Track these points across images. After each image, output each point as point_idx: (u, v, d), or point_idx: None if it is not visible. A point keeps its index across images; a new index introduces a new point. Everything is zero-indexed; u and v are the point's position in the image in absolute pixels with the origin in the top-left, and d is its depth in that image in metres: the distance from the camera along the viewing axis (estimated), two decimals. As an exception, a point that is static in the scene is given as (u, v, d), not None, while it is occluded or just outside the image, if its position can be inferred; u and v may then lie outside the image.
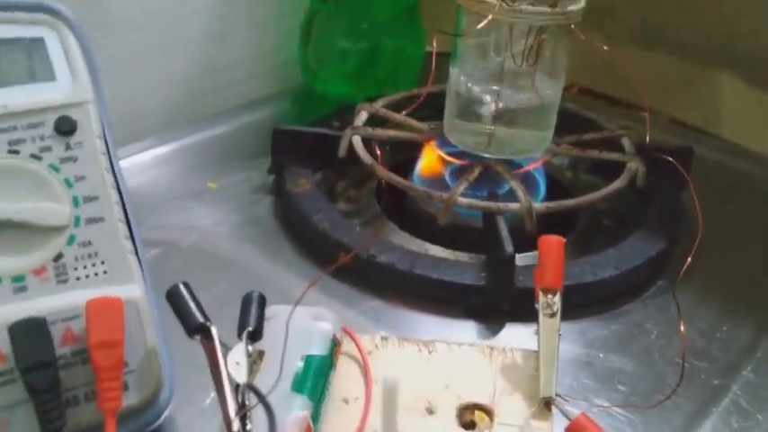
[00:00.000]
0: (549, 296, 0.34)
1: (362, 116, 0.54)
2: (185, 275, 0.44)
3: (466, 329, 0.42)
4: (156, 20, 0.58)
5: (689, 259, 0.39)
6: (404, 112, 0.54)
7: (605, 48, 0.43)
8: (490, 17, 0.42)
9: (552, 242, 0.34)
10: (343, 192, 0.56)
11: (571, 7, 0.43)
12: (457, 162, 0.51)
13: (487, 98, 0.48)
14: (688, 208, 0.49)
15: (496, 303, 0.42)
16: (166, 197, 0.52)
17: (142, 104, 0.60)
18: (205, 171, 0.55)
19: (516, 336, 0.41)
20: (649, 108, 0.71)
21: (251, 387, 0.28)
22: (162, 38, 0.59)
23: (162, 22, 0.59)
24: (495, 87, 0.47)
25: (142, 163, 0.56)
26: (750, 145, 0.63)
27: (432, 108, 0.56)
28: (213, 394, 0.35)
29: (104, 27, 0.56)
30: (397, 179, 0.48)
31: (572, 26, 0.43)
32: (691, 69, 0.66)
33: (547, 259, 0.34)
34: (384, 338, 0.37)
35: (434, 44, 0.41)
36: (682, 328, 0.37)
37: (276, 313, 0.34)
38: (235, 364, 0.30)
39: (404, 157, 0.57)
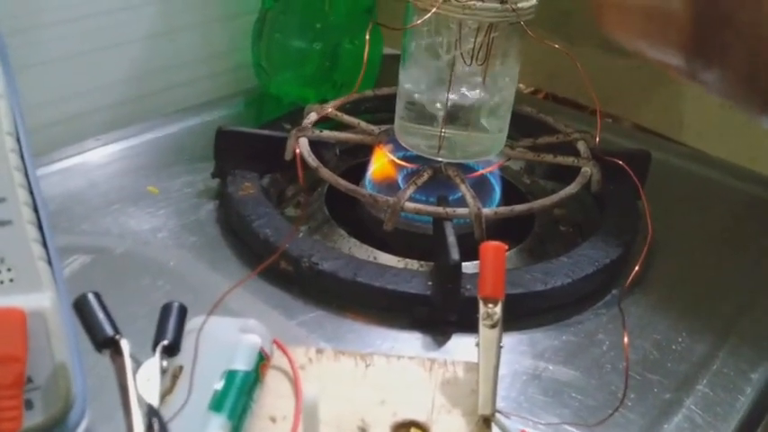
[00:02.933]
0: (490, 306, 0.32)
1: (311, 118, 0.52)
2: (116, 283, 0.42)
3: (411, 341, 0.40)
4: (97, 16, 0.56)
5: (636, 267, 0.37)
6: (334, 112, 0.52)
7: (556, 46, 0.42)
8: (434, 10, 0.40)
9: (493, 249, 0.32)
10: (293, 196, 0.54)
11: (522, 4, 0.42)
12: (407, 165, 0.49)
13: (438, 100, 0.46)
14: (645, 215, 0.48)
15: (443, 313, 0.40)
16: (104, 201, 0.49)
17: (83, 103, 0.58)
18: (147, 174, 0.53)
19: (463, 347, 0.39)
20: (612, 113, 0.70)
21: (152, 410, 0.25)
22: (103, 35, 0.57)
23: (103, 19, 0.56)
24: (445, 89, 0.45)
25: (81, 165, 0.53)
26: (712, 151, 0.62)
27: (388, 110, 0.54)
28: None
29: (42, 23, 0.53)
30: (342, 183, 0.46)
31: (522, 24, 0.41)
32: (653, 73, 0.65)
33: (487, 267, 0.32)
34: (319, 351, 0.35)
35: (367, 38, 0.39)
36: (625, 339, 0.35)
37: (199, 325, 0.31)
38: (145, 381, 0.27)
39: (358, 160, 0.55)
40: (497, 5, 0.41)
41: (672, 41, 0.19)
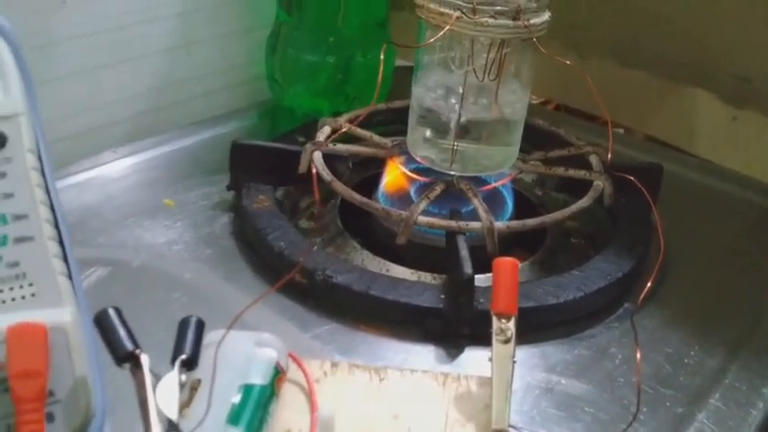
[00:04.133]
0: (504, 321, 0.32)
1: (325, 131, 0.53)
2: (133, 296, 0.43)
3: (424, 354, 0.40)
4: (113, 31, 0.57)
5: (649, 284, 0.37)
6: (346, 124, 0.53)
7: (567, 62, 0.42)
8: (447, 28, 0.40)
9: (506, 265, 0.32)
10: (307, 208, 0.54)
11: (534, 20, 0.42)
12: (420, 179, 0.50)
13: (450, 114, 0.46)
14: (658, 230, 0.48)
15: (455, 326, 0.40)
16: (120, 214, 0.50)
17: (103, 116, 0.59)
18: (163, 187, 0.53)
19: (476, 360, 0.40)
20: (624, 125, 0.70)
21: (172, 424, 0.26)
22: (120, 50, 0.58)
23: (119, 33, 0.57)
24: (458, 103, 0.45)
25: (98, 177, 0.54)
26: (724, 162, 0.62)
27: (401, 122, 0.55)
28: (151, 424, 0.34)
29: (59, 38, 0.54)
30: (356, 197, 0.46)
31: (534, 40, 0.42)
32: (665, 86, 0.66)
33: (501, 283, 0.32)
34: (334, 365, 0.35)
35: (381, 57, 0.39)
36: (638, 354, 0.35)
37: (217, 339, 0.32)
38: (164, 395, 0.28)
39: (371, 173, 0.56)
40: (509, 22, 0.42)
41: None
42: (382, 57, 0.41)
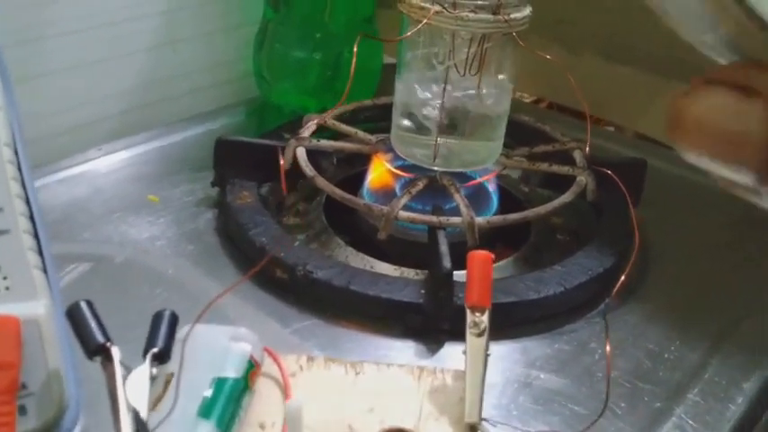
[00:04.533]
0: (477, 314, 0.32)
1: (310, 127, 0.53)
2: (115, 291, 0.43)
3: (404, 349, 0.40)
4: (100, 28, 0.57)
5: (622, 278, 0.37)
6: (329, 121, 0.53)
7: (548, 57, 0.42)
8: (424, 21, 0.40)
9: (480, 258, 0.32)
10: (292, 205, 0.54)
11: (515, 15, 0.42)
12: (404, 175, 0.50)
13: (433, 110, 0.46)
14: (634, 225, 0.48)
15: (435, 321, 0.40)
16: (105, 210, 0.50)
17: (87, 113, 0.59)
18: (148, 183, 0.53)
19: (456, 355, 0.39)
20: (614, 122, 0.70)
21: (136, 414, 0.26)
22: (107, 46, 0.58)
23: (106, 30, 0.57)
24: (440, 99, 0.45)
25: (83, 174, 0.54)
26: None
27: (387, 119, 0.55)
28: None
29: (47, 34, 0.54)
30: (338, 192, 0.46)
31: (514, 34, 0.42)
32: (655, 83, 0.65)
33: (474, 276, 0.32)
34: (310, 359, 0.35)
35: (355, 48, 0.39)
36: (608, 347, 0.35)
37: (192, 333, 0.32)
38: (135, 387, 0.28)
39: (356, 169, 0.56)
40: (490, 17, 0.42)
41: (746, 163, 0.20)
42: (355, 49, 0.40)
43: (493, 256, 0.33)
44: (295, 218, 0.53)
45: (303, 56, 0.61)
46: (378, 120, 0.59)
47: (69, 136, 0.58)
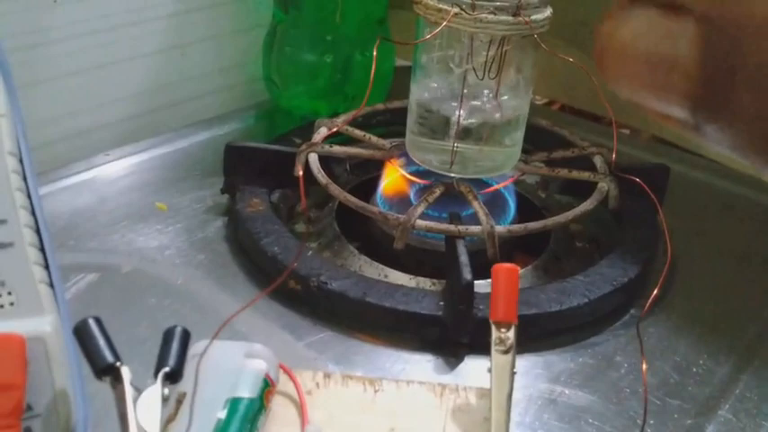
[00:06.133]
0: (503, 330, 0.31)
1: (322, 132, 0.51)
2: (123, 303, 0.42)
3: (422, 363, 0.39)
4: (107, 32, 0.56)
5: (655, 291, 0.35)
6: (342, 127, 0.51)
7: (571, 60, 0.41)
8: (444, 24, 0.39)
9: (505, 271, 0.31)
10: (304, 212, 0.53)
11: (535, 16, 0.41)
12: (419, 181, 0.48)
13: (449, 114, 0.45)
14: (664, 233, 0.46)
15: (454, 335, 0.39)
16: (112, 218, 0.49)
17: (92, 119, 0.57)
18: (155, 190, 0.52)
19: (476, 370, 0.38)
20: (630, 125, 0.69)
21: (149, 440, 0.25)
22: (113, 50, 0.57)
23: (113, 34, 0.56)
24: (457, 103, 0.44)
25: (89, 181, 0.53)
26: (732, 163, 0.60)
27: (399, 124, 0.53)
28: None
29: (52, 39, 0.53)
30: (352, 200, 0.45)
31: (535, 36, 0.40)
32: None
33: (499, 290, 0.31)
34: (327, 376, 0.34)
35: (374, 51, 0.38)
36: (644, 366, 0.34)
37: (202, 350, 0.31)
38: (146, 409, 0.27)
39: (369, 175, 0.55)
40: (510, 18, 0.40)
41: (677, 91, 0.17)
42: (375, 53, 0.39)
43: (519, 269, 0.31)
44: (306, 225, 0.52)
45: (314, 59, 0.60)
46: (389, 124, 0.58)
47: (75, 141, 0.56)
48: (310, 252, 0.44)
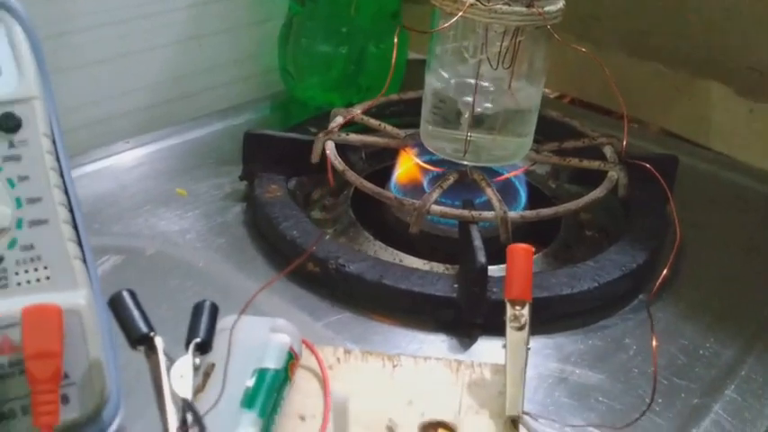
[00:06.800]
0: (518, 308, 0.32)
1: (338, 121, 0.52)
2: (147, 283, 0.43)
3: (436, 343, 0.40)
4: (127, 22, 0.57)
5: (665, 271, 0.37)
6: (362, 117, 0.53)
7: (583, 50, 0.42)
8: (460, 14, 0.40)
9: (520, 251, 0.32)
10: (320, 199, 0.54)
11: (549, 8, 0.42)
12: (432, 169, 0.50)
13: (463, 104, 0.46)
14: (673, 219, 0.48)
15: (469, 316, 0.40)
16: (134, 203, 0.50)
17: (113, 107, 0.59)
18: (175, 177, 0.53)
19: (489, 350, 0.40)
20: (639, 118, 0.70)
21: (187, 403, 0.26)
22: (134, 39, 0.58)
23: (133, 24, 0.57)
24: (470, 93, 0.45)
25: (111, 167, 0.54)
26: (739, 156, 0.62)
27: (413, 114, 0.55)
28: (165, 409, 0.34)
29: (75, 27, 0.54)
30: (368, 186, 0.46)
31: (549, 27, 0.42)
32: (680, 79, 0.65)
33: (514, 269, 0.32)
34: (347, 352, 0.35)
35: (395, 41, 0.39)
36: (654, 342, 0.35)
37: (230, 324, 0.32)
38: (179, 377, 0.28)
39: (384, 164, 0.56)
40: (524, 9, 0.41)
41: None
42: (396, 41, 0.40)
43: (533, 249, 0.32)
44: (322, 212, 0.53)
45: (329, 50, 0.61)
46: (403, 114, 0.59)
47: (95, 129, 0.58)
48: (328, 236, 0.46)
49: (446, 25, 0.41)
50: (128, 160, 0.56)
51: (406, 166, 0.52)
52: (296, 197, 0.51)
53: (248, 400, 0.29)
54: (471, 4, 0.41)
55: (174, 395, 0.27)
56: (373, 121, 0.53)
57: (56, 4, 0.53)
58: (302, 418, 0.31)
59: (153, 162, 0.56)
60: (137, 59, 0.59)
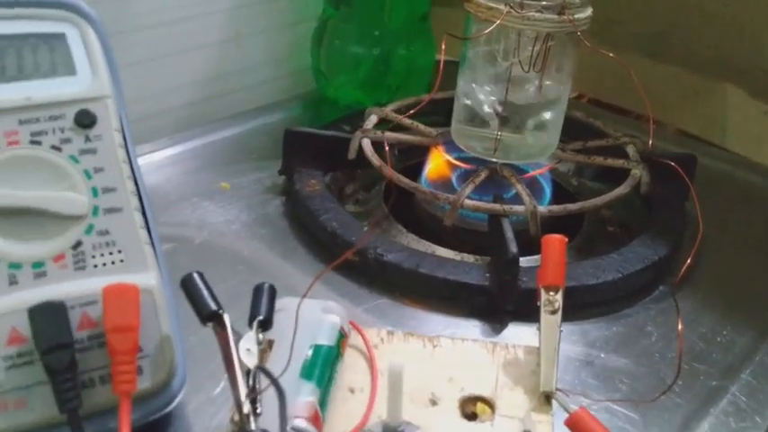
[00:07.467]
0: (551, 293, 0.35)
1: (372, 120, 0.55)
2: (198, 269, 0.46)
3: (470, 328, 0.43)
4: (173, 23, 0.60)
5: (689, 260, 0.39)
6: (404, 116, 0.55)
7: (611, 55, 0.44)
8: (498, 22, 0.43)
9: (555, 241, 0.35)
10: (353, 194, 0.57)
11: (578, 15, 0.44)
12: (463, 166, 0.52)
13: (494, 104, 0.49)
14: (692, 215, 0.50)
15: (500, 303, 0.43)
16: (181, 195, 0.53)
17: (159, 104, 0.62)
18: (218, 171, 0.56)
19: (519, 335, 0.42)
20: (656, 119, 0.72)
21: (262, 369, 0.29)
22: (178, 40, 0.61)
23: (178, 25, 0.60)
24: (501, 94, 0.48)
25: (158, 161, 0.57)
26: (754, 156, 0.64)
27: (440, 114, 0.58)
28: (223, 383, 0.37)
29: (125, 28, 0.57)
30: (405, 180, 0.49)
31: (578, 34, 0.44)
32: (697, 80, 0.67)
33: (549, 257, 0.35)
34: (390, 333, 0.38)
35: (443, 47, 0.42)
36: (679, 326, 0.38)
37: (286, 305, 0.35)
38: (246, 350, 0.31)
39: (412, 161, 0.59)
40: (555, 16, 0.44)
41: None
42: (444, 46, 0.43)
43: (566, 239, 0.35)
44: (355, 206, 0.56)
45: (360, 52, 0.64)
46: (432, 114, 0.61)
47: (142, 125, 0.60)
48: (365, 228, 0.48)
49: (486, 31, 0.44)
50: (171, 155, 0.59)
51: (436, 163, 0.55)
52: (331, 191, 0.54)
53: (307, 372, 0.32)
54: (507, 12, 0.43)
55: (242, 366, 0.30)
56: (406, 120, 0.56)
57: (108, 6, 0.56)
58: (351, 391, 0.34)
59: (194, 157, 0.59)
60: (180, 59, 0.62)
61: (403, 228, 0.51)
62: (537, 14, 0.44)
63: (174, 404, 0.34)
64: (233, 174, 0.56)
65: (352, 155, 0.53)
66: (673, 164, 0.46)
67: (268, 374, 0.29)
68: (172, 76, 0.62)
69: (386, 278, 0.45)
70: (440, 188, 0.52)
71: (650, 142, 0.49)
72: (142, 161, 0.57)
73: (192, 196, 0.53)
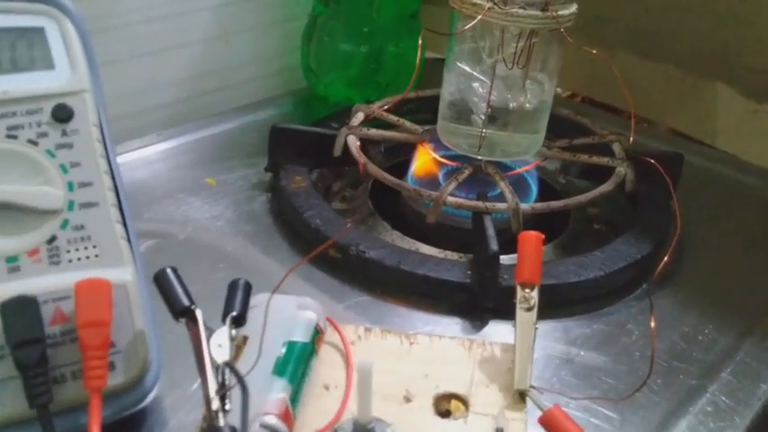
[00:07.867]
0: (527, 290, 0.35)
1: (359, 117, 0.55)
2: (180, 265, 0.45)
3: (450, 325, 0.43)
4: (160, 19, 0.60)
5: (665, 258, 0.39)
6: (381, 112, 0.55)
7: (594, 51, 0.44)
8: (479, 17, 0.42)
9: (531, 237, 0.35)
10: (340, 191, 0.57)
11: (562, 11, 0.44)
12: (449, 163, 0.52)
13: (479, 102, 0.49)
14: (675, 212, 0.50)
15: (481, 300, 0.43)
16: (166, 191, 0.53)
17: (145, 100, 0.62)
18: (204, 168, 0.56)
19: (499, 332, 0.42)
20: (647, 117, 0.72)
21: (229, 365, 0.29)
22: (165, 36, 0.61)
23: (168, 21, 0.60)
24: (486, 91, 0.48)
25: (144, 158, 0.57)
26: (745, 155, 0.64)
27: (428, 111, 0.57)
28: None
29: (111, 23, 0.57)
30: (389, 178, 0.49)
31: (562, 30, 0.44)
32: (688, 80, 0.67)
33: (525, 254, 0.35)
34: (367, 330, 0.38)
35: (420, 42, 0.42)
36: (652, 323, 0.38)
37: (261, 302, 0.35)
38: (217, 346, 0.31)
39: (399, 159, 0.58)
40: (539, 13, 0.44)
41: None
42: (420, 42, 0.43)
43: (543, 236, 0.35)
44: (342, 203, 0.56)
45: (350, 49, 0.64)
46: (419, 112, 0.61)
47: (128, 122, 0.61)
48: (349, 225, 0.48)
49: (467, 27, 0.43)
50: (159, 151, 0.59)
51: (423, 160, 0.54)
52: (317, 188, 0.54)
53: (279, 368, 0.32)
54: (489, 8, 0.43)
55: (213, 361, 0.30)
56: (392, 117, 0.55)
57: (94, 3, 0.56)
58: (326, 388, 0.34)
59: (182, 153, 0.59)
60: (168, 56, 0.62)
61: (388, 225, 0.51)
62: (520, 11, 0.44)
63: (147, 400, 0.34)
64: (220, 170, 0.56)
65: (337, 152, 0.53)
66: (653, 162, 0.46)
67: (234, 371, 0.28)
68: (160, 73, 0.62)
69: (368, 275, 0.45)
70: (427, 186, 0.52)
71: (631, 139, 0.49)
72: (130, 157, 0.58)
73: (178, 192, 0.53)
